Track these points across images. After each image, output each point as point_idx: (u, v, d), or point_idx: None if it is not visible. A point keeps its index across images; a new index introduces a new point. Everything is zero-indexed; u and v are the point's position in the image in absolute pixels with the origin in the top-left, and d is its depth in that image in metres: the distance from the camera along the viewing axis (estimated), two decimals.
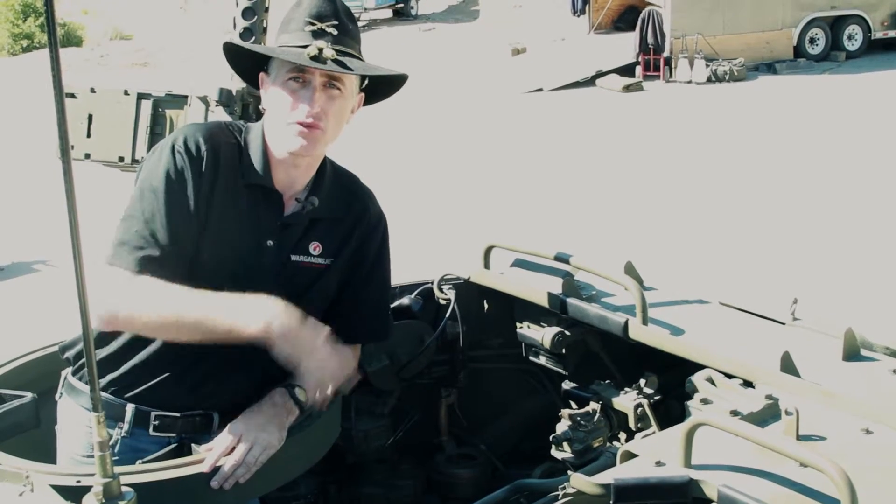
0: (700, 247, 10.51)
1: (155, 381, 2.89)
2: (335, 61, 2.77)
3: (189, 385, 2.90)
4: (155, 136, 4.39)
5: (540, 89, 24.60)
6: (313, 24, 2.81)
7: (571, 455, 3.28)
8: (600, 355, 3.78)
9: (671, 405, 3.34)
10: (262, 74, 2.95)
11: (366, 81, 3.01)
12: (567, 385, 3.71)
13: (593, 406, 3.40)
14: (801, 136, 16.76)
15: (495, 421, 4.31)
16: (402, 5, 39.12)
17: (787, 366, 2.94)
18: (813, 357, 3.05)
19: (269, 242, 2.93)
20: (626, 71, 25.16)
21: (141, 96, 4.45)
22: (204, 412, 2.93)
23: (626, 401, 3.38)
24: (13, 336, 6.88)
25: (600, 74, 25.11)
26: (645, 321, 3.36)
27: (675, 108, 21.12)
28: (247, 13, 4.19)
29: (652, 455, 2.52)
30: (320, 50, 2.75)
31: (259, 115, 4.25)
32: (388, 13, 38.95)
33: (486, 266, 3.98)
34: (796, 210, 11.93)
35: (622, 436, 3.44)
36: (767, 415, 2.69)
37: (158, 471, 2.61)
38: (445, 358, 4.04)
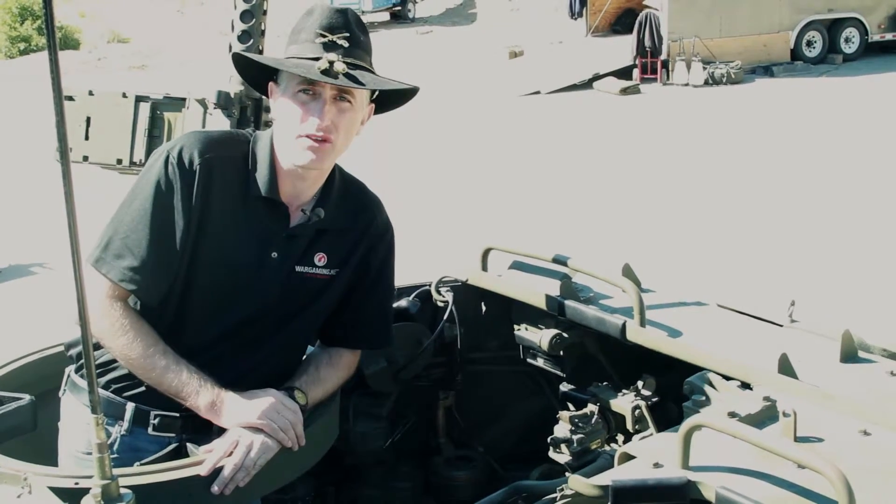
0: (698, 249, 10.52)
1: None
2: (346, 75, 2.74)
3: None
4: (153, 139, 4.39)
5: (537, 92, 24.65)
6: (324, 36, 2.79)
7: (569, 457, 3.28)
8: (598, 357, 3.78)
9: (669, 407, 3.34)
10: (271, 84, 2.93)
11: (376, 93, 2.98)
12: (565, 387, 3.72)
13: (591, 408, 3.41)
14: (798, 139, 16.78)
15: (493, 423, 4.32)
16: (399, 8, 39.17)
17: (785, 367, 2.94)
18: (810, 359, 3.05)
19: (274, 254, 2.92)
20: (624, 74, 25.21)
21: (139, 99, 4.46)
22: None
23: (623, 403, 3.39)
24: (11, 338, 6.88)
25: (597, 77, 25.16)
26: (643, 323, 3.36)
27: (672, 111, 21.14)
28: (245, 16, 4.19)
29: (650, 457, 2.52)
30: (331, 63, 2.72)
31: (258, 119, 4.26)
32: (386, 16, 38.99)
33: (484, 268, 3.98)
34: (794, 212, 11.94)
35: (620, 437, 3.44)
36: (765, 416, 2.69)
37: (157, 472, 2.61)
38: (443, 360, 4.04)
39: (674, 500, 2.41)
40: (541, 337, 3.77)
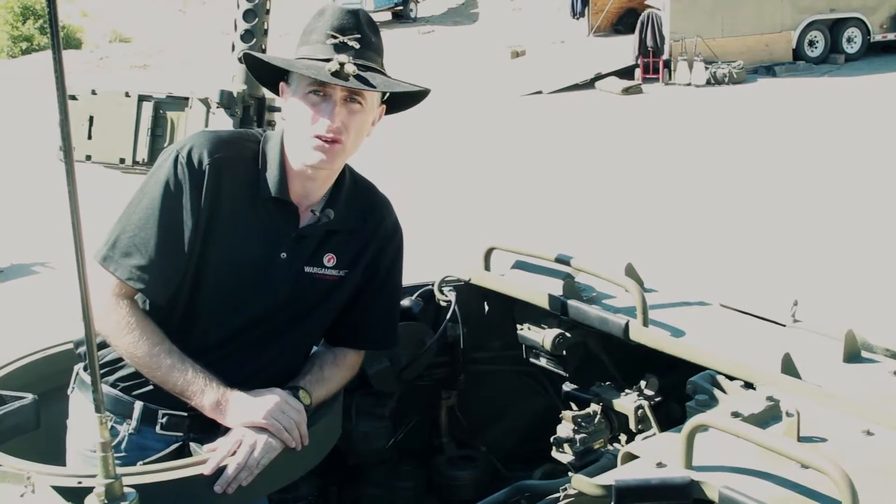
0: (700, 249, 10.51)
1: None
2: (357, 77, 2.74)
3: None
4: (156, 139, 4.38)
5: (539, 92, 24.64)
6: (335, 38, 2.78)
7: (572, 456, 3.28)
8: (601, 357, 3.78)
9: (672, 407, 3.34)
10: (282, 84, 2.93)
11: (387, 94, 2.98)
12: (568, 387, 3.71)
13: (594, 408, 3.41)
14: (800, 139, 16.78)
15: (496, 423, 4.32)
16: (401, 8, 39.19)
17: (788, 367, 2.94)
18: (813, 359, 3.04)
19: (283, 254, 2.92)
20: (626, 73, 25.21)
21: (142, 98, 4.45)
22: None
23: (626, 402, 3.38)
24: (14, 338, 6.88)
25: (599, 77, 25.16)
26: (645, 323, 3.36)
27: (674, 111, 21.14)
28: (248, 15, 4.19)
29: (653, 456, 2.52)
30: (342, 65, 2.72)
31: (260, 118, 4.25)
32: (388, 15, 38.99)
33: (487, 268, 3.98)
34: (796, 212, 11.93)
35: (623, 437, 3.44)
36: (768, 416, 2.69)
37: (161, 472, 2.61)
38: (446, 360, 4.04)
39: (677, 499, 2.41)
40: (544, 336, 3.77)
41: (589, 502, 2.48)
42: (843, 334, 3.10)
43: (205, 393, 2.77)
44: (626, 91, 23.87)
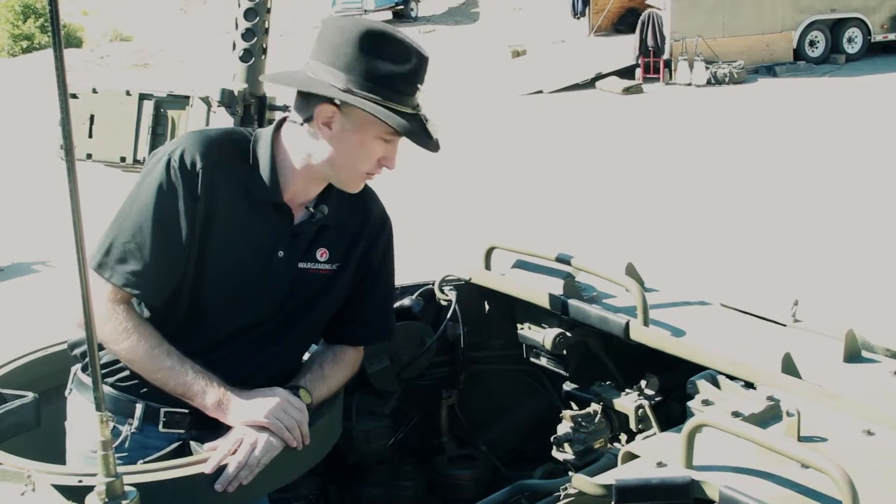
0: (701, 248, 10.52)
1: None
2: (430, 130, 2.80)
3: None
4: (157, 137, 4.38)
5: (539, 91, 24.65)
6: (418, 89, 2.79)
7: (572, 456, 3.28)
8: (601, 356, 3.78)
9: (672, 406, 3.34)
10: (329, 106, 2.78)
11: None
12: (568, 386, 3.71)
13: (594, 407, 3.41)
14: (800, 139, 16.78)
15: (496, 422, 4.32)
16: (401, 7, 39.21)
17: (789, 367, 2.94)
18: (814, 358, 3.05)
19: (280, 253, 2.91)
20: (626, 73, 25.23)
21: (143, 97, 4.44)
22: None
23: (627, 402, 3.38)
24: (14, 336, 6.88)
25: (600, 77, 25.17)
26: (646, 322, 3.36)
27: (674, 111, 21.15)
28: (249, 14, 4.18)
29: (653, 456, 2.52)
30: (426, 121, 2.79)
31: (261, 116, 4.25)
32: (388, 15, 38.99)
33: (488, 267, 3.98)
34: (797, 212, 11.93)
35: (623, 437, 3.44)
36: (769, 416, 2.69)
37: (161, 470, 2.61)
38: (446, 359, 4.04)
39: (677, 499, 2.41)
40: (544, 336, 3.77)
41: (589, 502, 2.48)
42: (844, 334, 3.10)
43: (206, 393, 2.77)
44: (627, 91, 23.88)
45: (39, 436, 3.05)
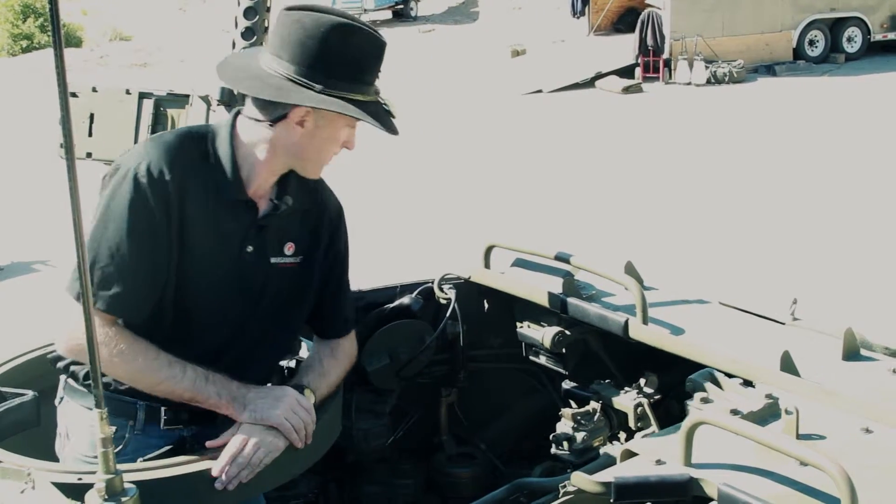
0: (700, 247, 10.52)
1: None
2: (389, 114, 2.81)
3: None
4: None
5: (539, 91, 24.63)
6: (375, 77, 2.80)
7: (571, 454, 3.29)
8: (600, 355, 3.79)
9: (671, 404, 3.35)
10: (301, 108, 2.77)
11: None
12: (567, 384, 3.72)
13: (593, 405, 3.41)
14: (800, 138, 16.78)
15: (495, 420, 4.32)
16: (401, 6, 39.16)
17: (787, 365, 2.95)
18: (813, 357, 3.05)
19: (249, 248, 2.91)
20: (626, 73, 25.18)
21: (143, 95, 4.46)
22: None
23: (626, 400, 3.39)
24: (13, 335, 6.88)
25: (600, 76, 25.13)
26: (645, 321, 3.37)
27: (674, 110, 21.14)
28: (248, 13, 4.20)
29: (652, 454, 2.53)
30: (387, 108, 2.79)
31: None
32: (388, 14, 38.97)
33: (487, 266, 3.99)
34: (796, 211, 11.94)
35: (622, 435, 3.45)
36: (767, 414, 2.70)
37: (161, 468, 2.61)
38: (446, 357, 4.05)
39: (676, 496, 2.41)
40: (543, 334, 3.78)
41: (588, 499, 2.48)
42: (843, 332, 3.11)
43: (215, 394, 2.77)
44: (627, 90, 23.85)
45: (39, 434, 3.05)
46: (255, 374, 2.95)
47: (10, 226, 12.34)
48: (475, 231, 9.90)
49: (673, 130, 18.46)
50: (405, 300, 3.93)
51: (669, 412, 3.32)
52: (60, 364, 3.00)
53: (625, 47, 26.35)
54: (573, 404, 3.54)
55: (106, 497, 2.07)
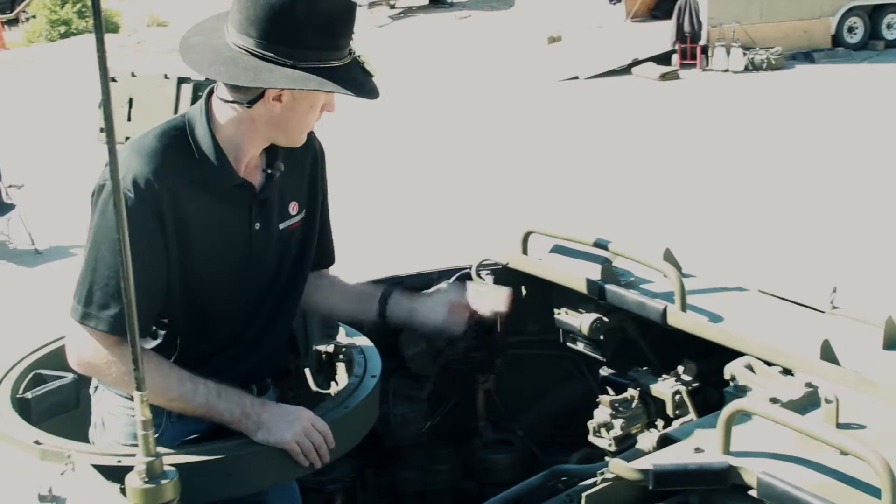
0: (739, 234, 10.47)
1: (200, 368, 2.86)
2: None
3: (231, 374, 2.88)
4: None
5: (576, 77, 24.53)
6: (350, 40, 2.73)
7: (609, 441, 3.28)
8: (638, 342, 3.77)
9: (709, 392, 3.34)
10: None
11: None
12: (605, 371, 3.72)
13: (631, 392, 3.41)
14: (839, 126, 16.66)
15: (532, 407, 4.32)
16: None
17: (827, 354, 2.93)
18: (853, 345, 3.03)
19: (257, 225, 2.90)
20: (663, 59, 25.03)
21: (181, 81, 4.48)
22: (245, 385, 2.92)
23: (664, 387, 3.38)
24: (52, 318, 6.92)
25: (636, 63, 25.01)
26: (683, 308, 3.35)
27: (711, 97, 21.02)
28: None
29: (691, 441, 2.53)
30: (367, 73, 2.75)
31: None
32: (425, 0, 38.91)
33: (525, 252, 3.98)
34: (835, 199, 11.86)
35: (660, 422, 3.44)
36: (807, 402, 2.68)
37: (199, 452, 2.63)
38: (483, 343, 4.04)
39: (715, 484, 2.41)
40: (581, 321, 3.76)
41: (626, 487, 2.48)
42: (883, 321, 3.08)
43: (228, 412, 2.76)
44: (664, 77, 23.73)
45: (77, 416, 3.07)
46: (272, 345, 3.01)
47: (48, 210, 12.41)
48: (513, 217, 9.89)
49: (710, 118, 18.37)
50: (443, 286, 3.92)
51: (708, 400, 3.30)
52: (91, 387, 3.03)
53: (662, 34, 26.18)
54: (611, 391, 3.53)
55: (146, 479, 2.08)
